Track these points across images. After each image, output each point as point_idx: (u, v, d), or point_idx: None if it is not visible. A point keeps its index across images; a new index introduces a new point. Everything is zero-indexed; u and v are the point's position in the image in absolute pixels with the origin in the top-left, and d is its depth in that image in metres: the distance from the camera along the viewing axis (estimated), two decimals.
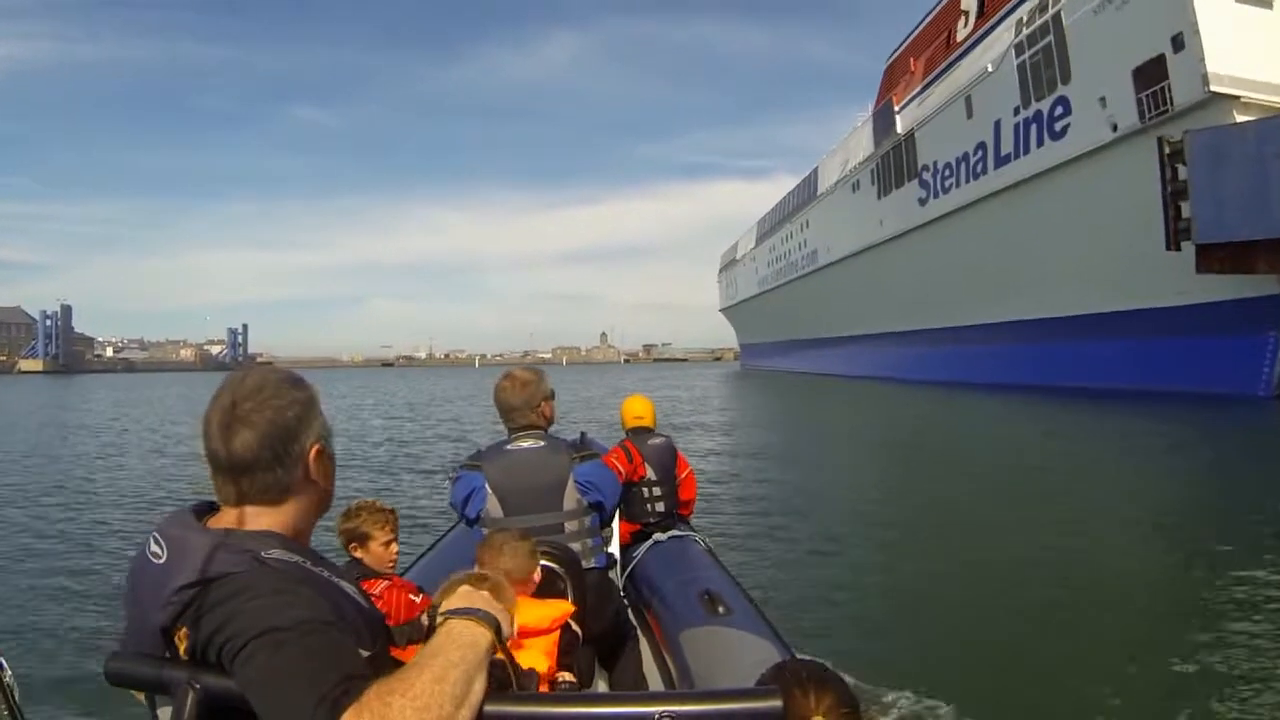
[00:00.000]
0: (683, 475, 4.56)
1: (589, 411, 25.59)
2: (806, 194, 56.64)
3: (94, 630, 5.22)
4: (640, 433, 4.55)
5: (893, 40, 45.50)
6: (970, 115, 32.38)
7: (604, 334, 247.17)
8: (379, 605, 1.93)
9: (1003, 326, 31.39)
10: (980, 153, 31.87)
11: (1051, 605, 5.29)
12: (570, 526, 2.84)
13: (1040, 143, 28.21)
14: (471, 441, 15.38)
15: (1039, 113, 28.22)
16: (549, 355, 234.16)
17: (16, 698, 1.14)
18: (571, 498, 2.83)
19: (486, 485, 2.82)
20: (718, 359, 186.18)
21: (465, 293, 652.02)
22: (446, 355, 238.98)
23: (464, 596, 1.25)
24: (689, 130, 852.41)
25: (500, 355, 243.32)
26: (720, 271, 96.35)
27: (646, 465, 4.32)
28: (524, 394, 2.94)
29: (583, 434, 4.49)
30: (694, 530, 4.49)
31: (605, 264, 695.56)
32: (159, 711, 1.19)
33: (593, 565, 2.86)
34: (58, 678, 4.44)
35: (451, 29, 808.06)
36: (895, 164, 39.58)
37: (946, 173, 34.57)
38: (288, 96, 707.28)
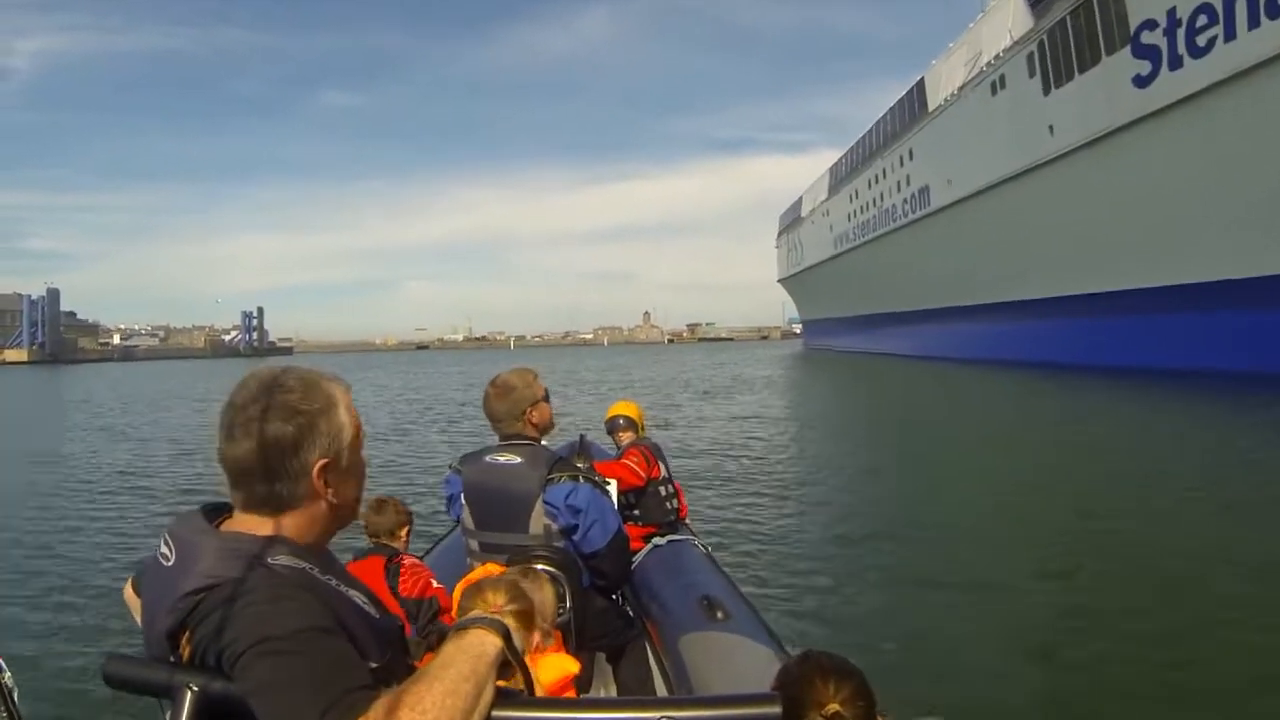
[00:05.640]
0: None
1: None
2: (906, 115, 42.77)
3: (94, 631, 5.22)
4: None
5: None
6: None
7: (647, 313, 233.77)
8: (406, 575, 2.81)
9: None
10: None
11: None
12: (538, 551, 2.61)
13: None
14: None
15: None
16: (590, 335, 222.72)
17: (15, 699, 1.12)
18: (539, 521, 2.61)
19: (463, 496, 2.75)
20: (764, 337, 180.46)
21: (504, 273, 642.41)
22: (483, 337, 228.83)
23: (481, 598, 1.38)
24: (724, 104, 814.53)
25: (540, 336, 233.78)
26: (779, 235, 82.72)
27: (660, 464, 4.24)
28: (506, 402, 2.75)
29: (582, 436, 4.81)
30: (693, 534, 4.34)
31: (645, 242, 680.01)
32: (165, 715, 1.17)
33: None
34: (57, 679, 4.48)
35: (482, 6, 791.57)
36: (1080, 34, 25.80)
37: (1199, 22, 20.88)
38: (319, 81, 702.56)
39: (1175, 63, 21.84)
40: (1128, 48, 23.63)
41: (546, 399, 2.81)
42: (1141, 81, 23.11)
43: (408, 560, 2.96)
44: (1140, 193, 23.43)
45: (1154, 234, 23.35)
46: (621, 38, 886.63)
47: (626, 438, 4.49)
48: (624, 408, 4.65)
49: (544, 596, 2.03)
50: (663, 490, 4.21)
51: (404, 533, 3.22)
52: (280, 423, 1.18)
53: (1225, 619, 4.91)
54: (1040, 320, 30.39)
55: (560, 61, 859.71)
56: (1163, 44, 22.27)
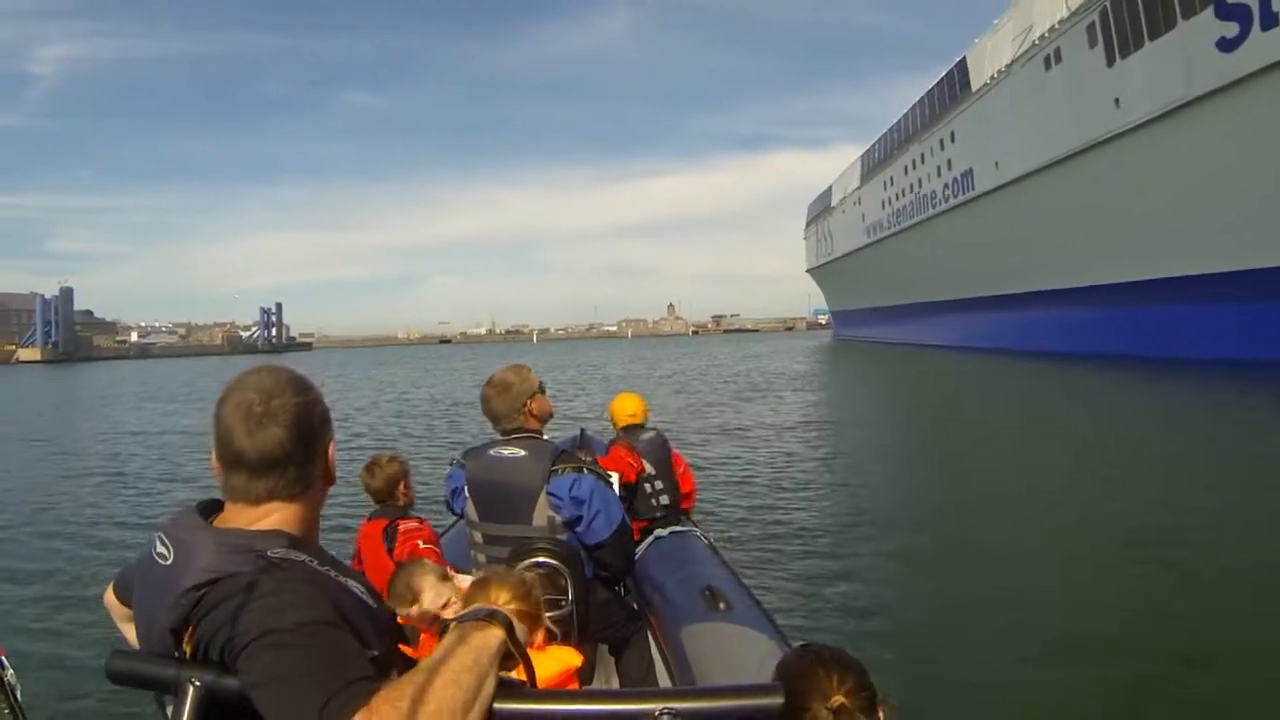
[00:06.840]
0: (679, 470, 4.47)
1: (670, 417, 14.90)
2: (946, 97, 40.37)
3: (96, 628, 5.21)
4: (633, 430, 4.47)
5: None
6: None
7: (671, 305, 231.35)
8: (416, 535, 3.01)
9: None
10: None
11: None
12: (540, 544, 2.64)
13: None
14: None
15: None
16: (614, 328, 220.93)
17: (18, 696, 1.13)
18: (543, 513, 2.63)
19: (466, 488, 2.77)
20: (790, 329, 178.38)
21: (528, 268, 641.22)
22: (507, 331, 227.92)
23: (483, 592, 1.42)
24: (744, 100, 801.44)
25: (564, 329, 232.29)
26: (807, 225, 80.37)
27: (643, 461, 4.21)
28: (506, 398, 2.77)
29: (582, 430, 4.61)
30: (695, 526, 4.36)
31: (668, 236, 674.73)
32: (166, 710, 1.18)
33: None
34: (60, 675, 4.46)
35: (502, 5, 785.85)
36: None
37: None
38: (341, 82, 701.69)
39: (1269, 21, 19.54)
40: (1210, 9, 21.31)
41: (542, 390, 2.84)
42: (1227, 45, 20.78)
43: (403, 525, 3.09)
44: (1225, 165, 21.13)
45: (1239, 210, 21.05)
46: (641, 35, 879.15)
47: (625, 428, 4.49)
48: (629, 401, 4.66)
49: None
50: (648, 486, 4.22)
51: (402, 486, 3.28)
52: (306, 407, 1.21)
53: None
54: (1104, 308, 28.08)
55: (582, 60, 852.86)
56: (1253, 2, 19.97)
